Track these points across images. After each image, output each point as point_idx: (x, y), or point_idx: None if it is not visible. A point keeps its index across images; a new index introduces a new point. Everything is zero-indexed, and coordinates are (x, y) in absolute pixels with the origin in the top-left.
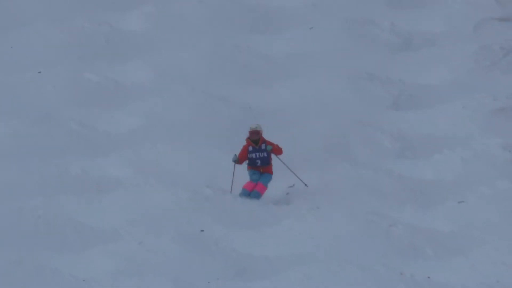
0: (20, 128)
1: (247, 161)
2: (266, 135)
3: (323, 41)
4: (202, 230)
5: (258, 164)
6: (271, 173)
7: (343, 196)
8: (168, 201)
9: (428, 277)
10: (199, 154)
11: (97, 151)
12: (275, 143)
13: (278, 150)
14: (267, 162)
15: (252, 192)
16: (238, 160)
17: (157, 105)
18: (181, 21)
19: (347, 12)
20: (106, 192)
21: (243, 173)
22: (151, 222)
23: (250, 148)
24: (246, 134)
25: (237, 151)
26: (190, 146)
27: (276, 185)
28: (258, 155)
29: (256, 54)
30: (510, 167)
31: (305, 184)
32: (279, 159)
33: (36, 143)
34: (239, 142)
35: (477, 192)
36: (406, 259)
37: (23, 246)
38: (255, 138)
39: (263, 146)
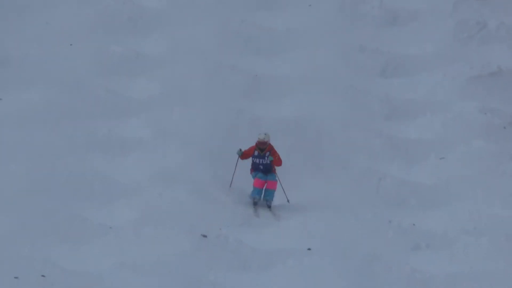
0: (54, 94)
1: (251, 164)
2: (269, 101)
3: (320, 17)
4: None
5: (261, 169)
6: (275, 173)
7: (337, 154)
8: (183, 158)
9: (413, 224)
10: (211, 116)
11: (121, 115)
12: (278, 152)
13: (277, 162)
14: (269, 170)
15: (265, 190)
16: (241, 155)
17: (173, 73)
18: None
19: None
20: (128, 150)
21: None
22: (168, 177)
23: (256, 153)
24: (251, 99)
25: (244, 117)
26: (203, 110)
27: None
28: (261, 161)
29: (260, 28)
30: (485, 128)
31: (288, 200)
32: (275, 171)
33: (68, 107)
34: (247, 105)
35: (455, 150)
36: (394, 209)
37: (57, 197)
38: (263, 147)
39: (267, 155)
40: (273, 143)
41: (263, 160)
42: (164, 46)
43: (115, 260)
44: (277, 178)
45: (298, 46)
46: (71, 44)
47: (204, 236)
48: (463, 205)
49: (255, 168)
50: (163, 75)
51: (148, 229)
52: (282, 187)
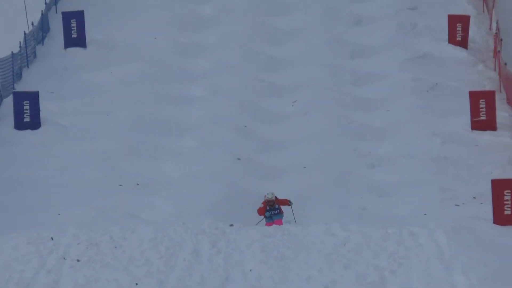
0: (144, 68)
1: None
2: (279, 72)
3: (312, 20)
4: (231, 224)
5: (273, 219)
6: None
7: (320, 107)
8: (227, 108)
9: (370, 152)
10: (244, 78)
11: (186, 82)
12: (284, 198)
13: (286, 203)
14: (279, 214)
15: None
16: (258, 212)
17: (221, 55)
18: (233, 7)
19: (326, 5)
20: (194, 102)
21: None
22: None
23: (268, 208)
24: (270, 70)
25: (264, 81)
26: (239, 74)
27: None
28: (273, 212)
29: (275, 27)
30: (415, 90)
31: (295, 221)
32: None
33: (153, 76)
34: (266, 75)
35: (396, 104)
36: (358, 141)
37: (144, 133)
38: (271, 204)
39: (276, 206)
40: None
41: (274, 211)
42: (214, 38)
43: (183, 171)
44: (283, 216)
45: (297, 38)
46: (155, 38)
47: (239, 159)
48: (401, 138)
49: (268, 220)
50: (214, 57)
51: (204, 151)
52: (292, 211)
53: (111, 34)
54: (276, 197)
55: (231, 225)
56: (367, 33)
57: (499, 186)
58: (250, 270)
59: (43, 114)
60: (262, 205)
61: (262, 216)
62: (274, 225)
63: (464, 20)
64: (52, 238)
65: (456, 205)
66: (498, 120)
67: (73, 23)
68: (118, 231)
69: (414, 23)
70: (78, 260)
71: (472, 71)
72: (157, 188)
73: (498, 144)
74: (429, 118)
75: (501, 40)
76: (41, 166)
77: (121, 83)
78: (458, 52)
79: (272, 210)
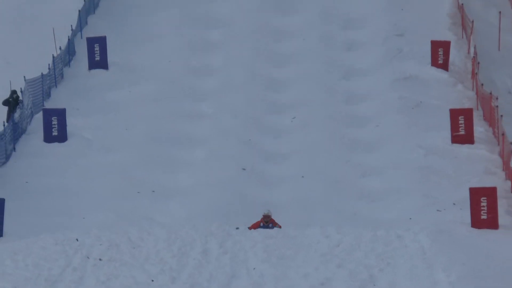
0: (160, 87)
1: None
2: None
3: (309, 45)
4: (237, 227)
5: None
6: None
7: (315, 123)
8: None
9: (359, 164)
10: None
11: (196, 99)
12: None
13: (276, 225)
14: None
15: None
16: (250, 227)
17: (228, 76)
18: (239, 33)
19: (322, 32)
20: (202, 117)
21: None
22: (222, 132)
23: (261, 225)
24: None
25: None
26: (244, 93)
27: None
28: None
29: (276, 51)
30: (401, 108)
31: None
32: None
33: (167, 94)
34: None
35: (385, 120)
36: (350, 153)
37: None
38: (267, 220)
39: (270, 225)
40: None
41: (268, 229)
42: (222, 60)
43: (194, 180)
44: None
45: (296, 61)
46: (169, 61)
47: (244, 169)
48: (389, 150)
49: None
50: (222, 77)
51: (213, 162)
52: None
53: (130, 57)
54: (271, 217)
55: (237, 228)
56: (359, 57)
57: (476, 194)
58: (254, 268)
59: (69, 129)
60: (258, 221)
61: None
62: (275, 229)
63: (445, 45)
64: (77, 239)
65: (437, 210)
66: (475, 134)
67: (97, 48)
68: (135, 232)
69: (401, 48)
70: (100, 259)
71: (452, 91)
72: (171, 195)
73: (476, 156)
74: (413, 132)
75: (478, 63)
76: (67, 175)
77: (139, 101)
78: (439, 73)
79: (265, 227)
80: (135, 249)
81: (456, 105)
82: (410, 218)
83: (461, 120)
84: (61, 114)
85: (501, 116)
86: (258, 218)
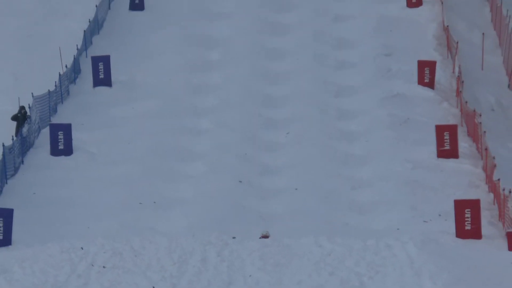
0: (160, 103)
1: None
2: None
3: (303, 64)
4: (234, 237)
5: None
6: None
7: (310, 137)
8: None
9: (352, 176)
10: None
11: (196, 116)
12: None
13: None
14: None
15: None
16: None
17: (226, 93)
18: (237, 53)
19: (315, 52)
20: (201, 133)
21: None
22: (222, 148)
23: None
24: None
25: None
26: (241, 109)
27: None
28: None
29: (271, 70)
30: (390, 124)
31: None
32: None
33: (168, 111)
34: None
35: (374, 135)
36: (342, 167)
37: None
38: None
39: None
40: None
41: None
42: (220, 79)
43: (194, 192)
44: None
45: (290, 80)
46: (170, 79)
47: (240, 181)
48: (378, 164)
49: None
50: (220, 94)
51: (212, 175)
52: None
53: (133, 75)
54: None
55: (234, 237)
56: (349, 75)
57: (461, 205)
58: (250, 275)
59: (75, 143)
60: None
61: None
62: (270, 238)
63: (431, 65)
64: (82, 248)
65: (424, 221)
66: (460, 149)
67: (101, 66)
68: (138, 241)
69: (389, 68)
70: (104, 267)
71: (438, 108)
72: (172, 205)
73: (460, 170)
74: (401, 147)
75: (463, 82)
76: (73, 186)
77: (141, 117)
78: (426, 92)
79: None
80: (137, 257)
81: (442, 122)
82: (398, 229)
83: (446, 136)
84: (67, 129)
85: (485, 132)
86: (255, 228)
